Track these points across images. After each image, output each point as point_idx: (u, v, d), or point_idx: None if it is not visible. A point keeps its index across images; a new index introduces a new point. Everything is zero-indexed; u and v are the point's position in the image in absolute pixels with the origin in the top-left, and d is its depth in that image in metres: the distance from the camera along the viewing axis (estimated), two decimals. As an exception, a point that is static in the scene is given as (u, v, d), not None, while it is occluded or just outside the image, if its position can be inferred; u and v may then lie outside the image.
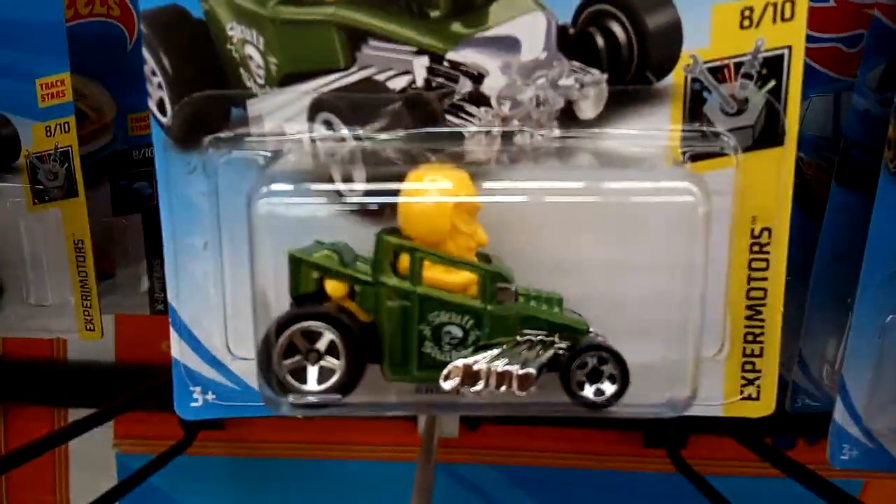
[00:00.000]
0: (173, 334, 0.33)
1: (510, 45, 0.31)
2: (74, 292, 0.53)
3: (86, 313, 0.54)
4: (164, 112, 0.32)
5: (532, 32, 0.31)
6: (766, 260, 0.33)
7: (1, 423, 0.89)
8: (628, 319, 0.29)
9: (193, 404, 0.34)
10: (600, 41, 0.31)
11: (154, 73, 0.31)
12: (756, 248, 0.33)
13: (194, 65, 0.31)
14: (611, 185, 0.28)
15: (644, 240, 0.30)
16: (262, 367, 0.28)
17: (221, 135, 0.31)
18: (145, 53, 0.31)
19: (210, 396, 0.34)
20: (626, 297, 0.30)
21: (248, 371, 0.33)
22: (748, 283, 0.33)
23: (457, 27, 0.31)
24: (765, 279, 0.33)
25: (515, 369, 0.26)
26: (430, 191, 0.28)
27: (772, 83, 0.31)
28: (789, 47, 0.31)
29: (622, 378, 0.27)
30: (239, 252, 0.31)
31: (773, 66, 0.31)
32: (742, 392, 0.34)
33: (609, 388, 0.27)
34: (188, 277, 0.33)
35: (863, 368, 0.42)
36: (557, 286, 0.30)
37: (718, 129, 0.32)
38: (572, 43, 0.31)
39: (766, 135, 0.32)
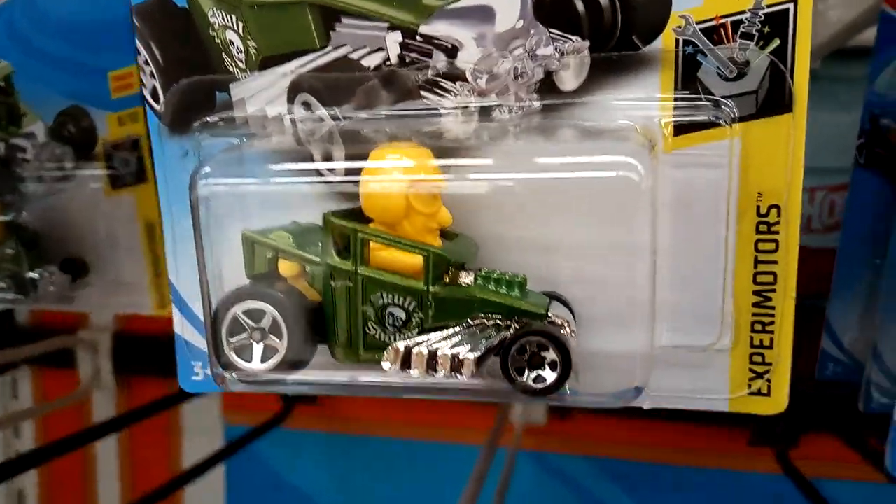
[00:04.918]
0: (175, 310, 0.35)
1: (484, 14, 0.30)
2: (148, 272, 0.57)
3: (158, 292, 0.58)
4: (157, 100, 0.33)
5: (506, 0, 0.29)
6: (775, 241, 0.29)
7: (123, 394, 0.98)
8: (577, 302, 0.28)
9: (194, 378, 0.35)
10: (580, 6, 0.29)
11: (147, 63, 0.33)
12: (763, 228, 0.29)
13: (181, 53, 0.32)
14: (546, 160, 0.26)
15: (591, 218, 0.27)
16: (210, 344, 0.28)
17: (208, 119, 0.32)
18: (138, 44, 0.32)
19: (209, 371, 0.35)
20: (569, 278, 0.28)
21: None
22: (755, 267, 0.30)
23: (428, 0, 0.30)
24: (774, 262, 0.30)
25: (449, 353, 0.25)
26: (384, 171, 0.27)
27: (776, 42, 0.28)
28: (794, 1, 0.27)
29: (563, 365, 0.25)
30: (226, 232, 0.32)
31: (776, 24, 0.28)
32: (750, 386, 0.31)
33: (550, 376, 0.26)
34: (186, 256, 0.34)
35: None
36: (517, 265, 0.28)
37: (716, 97, 0.29)
38: (550, 9, 0.29)
39: (772, 101, 0.28)
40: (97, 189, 0.56)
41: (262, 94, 0.32)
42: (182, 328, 0.35)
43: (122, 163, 0.56)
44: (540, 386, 0.26)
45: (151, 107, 0.33)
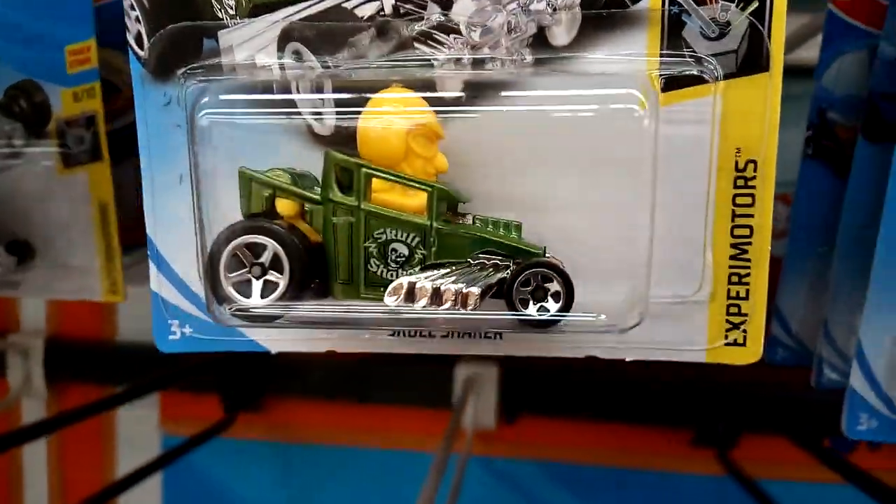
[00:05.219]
0: (151, 267, 0.34)
1: (479, -32, 0.30)
2: (99, 255, 0.55)
3: (109, 276, 0.56)
4: (141, 46, 0.32)
5: (501, -45, 0.30)
6: (752, 195, 0.31)
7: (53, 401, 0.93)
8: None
9: (171, 337, 0.34)
10: (572, -37, 0.30)
11: (132, 7, 0.32)
12: (741, 183, 0.31)
13: (169, -3, 0.32)
14: (544, 93, 0.27)
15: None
16: (207, 281, 0.28)
17: (194, 66, 0.32)
18: (124, -13, 0.32)
19: (187, 330, 0.34)
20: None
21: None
22: (732, 220, 0.31)
23: (425, -49, 0.30)
24: (750, 216, 0.31)
25: (455, 287, 0.25)
26: (384, 104, 0.27)
27: (755, 4, 0.30)
28: (773, -35, 0.29)
29: (567, 296, 0.26)
30: (212, 184, 0.32)
31: (755, -14, 0.29)
32: (727, 337, 0.32)
33: (553, 307, 0.26)
34: (166, 210, 0.33)
35: (882, 332, 0.39)
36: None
37: (699, 55, 0.30)
38: (543, -35, 0.30)
39: (750, 60, 0.30)
40: (49, 167, 0.54)
41: (251, 41, 0.32)
42: (159, 286, 0.34)
43: (75, 140, 0.54)
44: (544, 317, 0.26)
45: (135, 52, 0.32)
